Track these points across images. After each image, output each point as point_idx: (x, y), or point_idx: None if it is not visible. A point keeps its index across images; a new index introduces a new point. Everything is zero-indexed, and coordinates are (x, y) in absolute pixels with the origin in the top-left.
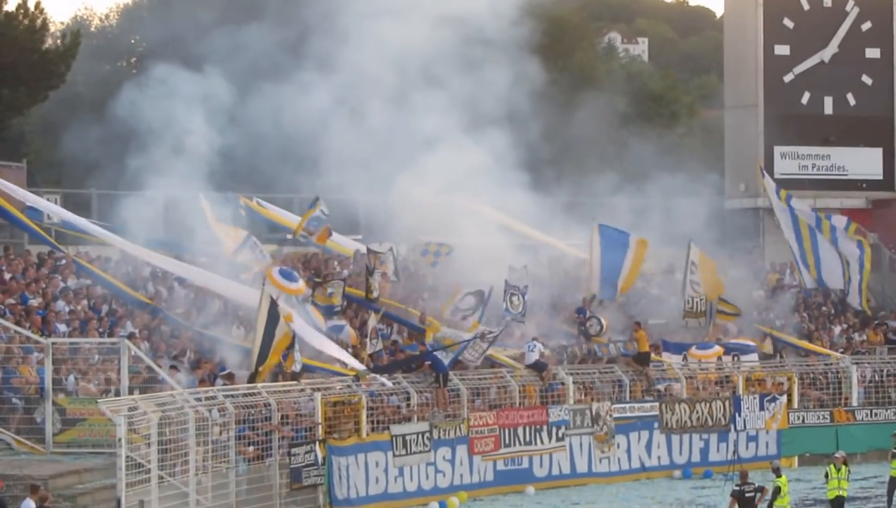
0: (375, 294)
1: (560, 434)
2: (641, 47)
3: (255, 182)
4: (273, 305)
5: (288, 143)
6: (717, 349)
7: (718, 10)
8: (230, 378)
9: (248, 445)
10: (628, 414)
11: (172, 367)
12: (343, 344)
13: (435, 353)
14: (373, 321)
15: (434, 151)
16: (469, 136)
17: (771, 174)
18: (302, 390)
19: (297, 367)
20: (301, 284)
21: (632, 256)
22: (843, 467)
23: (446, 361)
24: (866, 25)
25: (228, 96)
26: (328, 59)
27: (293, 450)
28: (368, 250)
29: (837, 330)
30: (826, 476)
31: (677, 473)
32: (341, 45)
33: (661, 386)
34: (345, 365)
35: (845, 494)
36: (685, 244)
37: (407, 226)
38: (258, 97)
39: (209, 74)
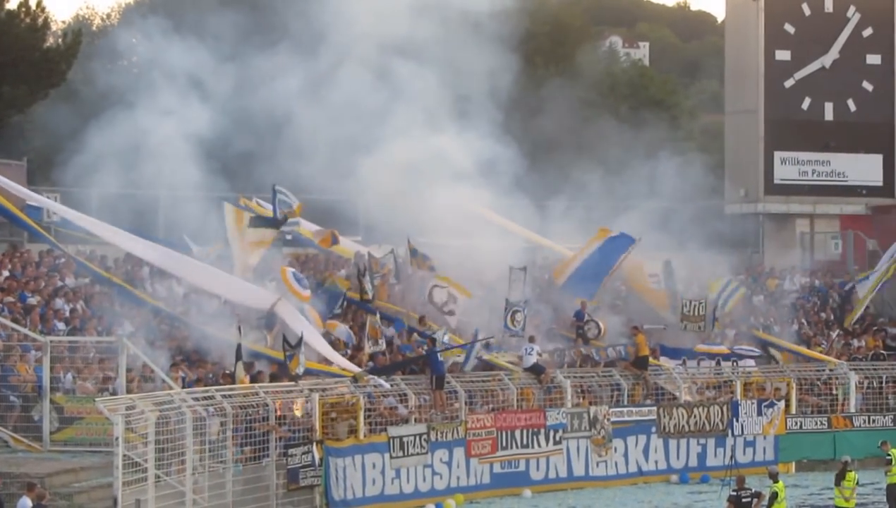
0: (370, 295)
1: (557, 438)
2: (643, 51)
3: (239, 175)
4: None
5: (261, 136)
6: (723, 346)
7: (720, 14)
8: (230, 378)
9: (245, 445)
10: (626, 418)
11: (173, 366)
12: (343, 345)
13: (436, 353)
14: (371, 322)
15: (411, 144)
16: (453, 130)
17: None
18: (300, 391)
19: (300, 370)
20: (308, 293)
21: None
22: (845, 473)
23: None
24: (867, 31)
25: (212, 78)
26: (308, 45)
27: (290, 451)
28: (369, 256)
29: (836, 335)
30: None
31: (674, 477)
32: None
33: (661, 379)
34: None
35: (841, 503)
36: (682, 247)
37: (404, 227)
38: (236, 83)
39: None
